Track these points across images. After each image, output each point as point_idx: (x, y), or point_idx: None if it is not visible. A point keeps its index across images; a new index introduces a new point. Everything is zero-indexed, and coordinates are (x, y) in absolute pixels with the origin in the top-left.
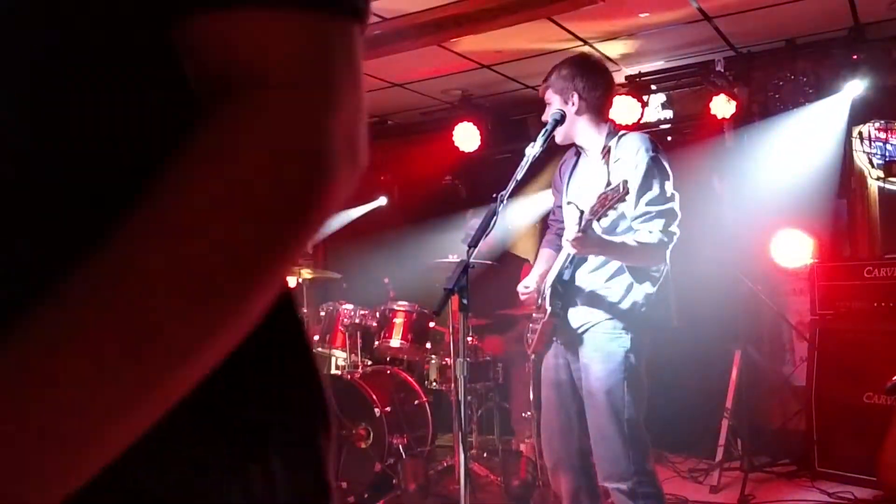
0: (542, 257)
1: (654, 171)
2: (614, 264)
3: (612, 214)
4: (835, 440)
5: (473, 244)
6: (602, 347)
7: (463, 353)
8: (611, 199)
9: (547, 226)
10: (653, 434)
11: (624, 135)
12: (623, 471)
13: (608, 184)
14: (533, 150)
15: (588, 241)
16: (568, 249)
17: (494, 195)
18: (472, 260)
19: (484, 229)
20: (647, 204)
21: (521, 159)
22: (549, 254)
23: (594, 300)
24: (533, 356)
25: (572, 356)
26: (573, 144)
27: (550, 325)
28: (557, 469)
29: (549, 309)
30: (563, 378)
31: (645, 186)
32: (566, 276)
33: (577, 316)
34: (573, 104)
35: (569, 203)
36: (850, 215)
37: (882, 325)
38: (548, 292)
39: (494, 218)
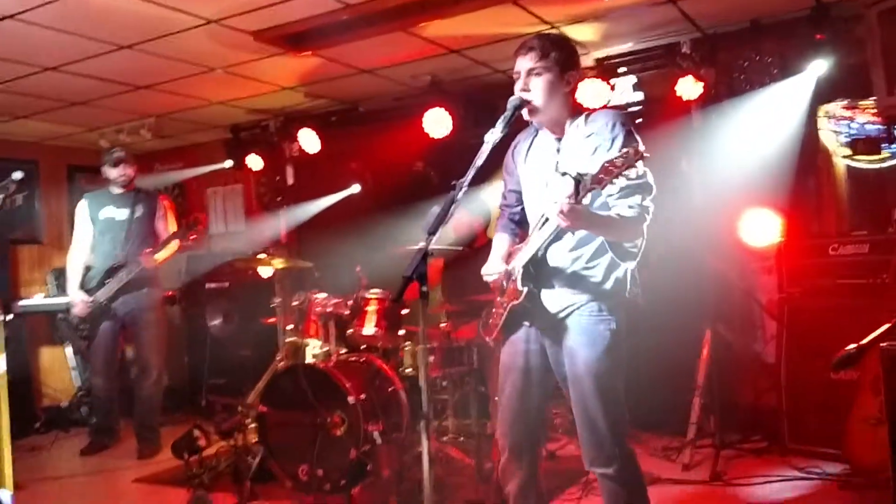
0: (499, 242)
1: (630, 144)
2: (595, 243)
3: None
4: (804, 416)
5: (432, 231)
6: (588, 330)
7: (423, 339)
8: (621, 166)
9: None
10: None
11: (595, 111)
12: (608, 454)
13: (598, 151)
14: (493, 136)
15: (580, 214)
16: (557, 222)
17: (453, 182)
18: (432, 247)
19: (443, 217)
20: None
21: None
22: (505, 238)
23: (575, 281)
24: (492, 341)
25: (551, 341)
26: (526, 125)
27: (520, 308)
28: (514, 456)
29: (522, 291)
30: (533, 364)
31: None
32: (540, 255)
33: (557, 299)
34: (567, 83)
35: (559, 175)
36: (817, 193)
37: (847, 301)
38: (518, 274)
39: (454, 205)
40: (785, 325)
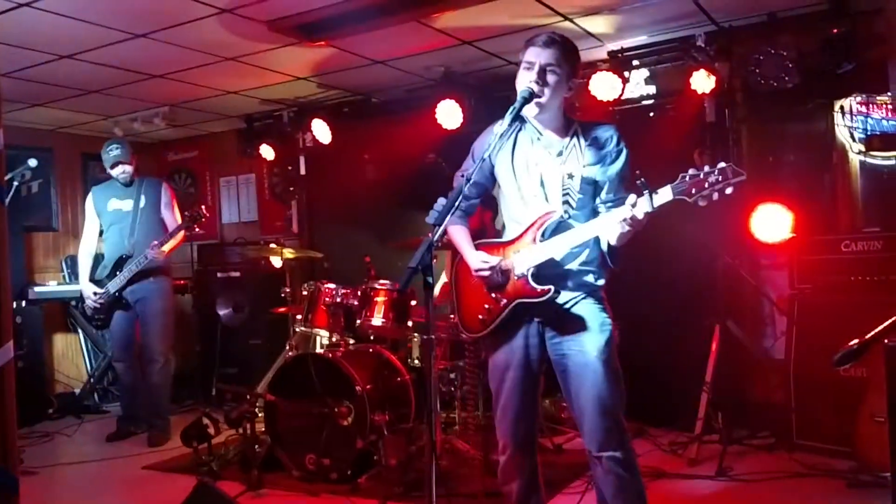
0: (461, 235)
1: (629, 161)
2: (592, 243)
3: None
4: (813, 413)
5: (438, 222)
6: (597, 318)
7: (429, 330)
8: (715, 183)
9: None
10: (634, 408)
11: (593, 122)
12: (619, 438)
13: (605, 161)
14: (501, 128)
15: (645, 221)
16: (619, 227)
17: (461, 174)
18: (437, 238)
19: (450, 208)
20: (625, 190)
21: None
22: (465, 231)
23: (576, 277)
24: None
25: (554, 332)
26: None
27: (525, 305)
28: (519, 453)
29: (547, 289)
30: (533, 358)
31: (625, 174)
32: (559, 259)
33: (562, 293)
34: (569, 88)
35: (570, 177)
36: (830, 189)
37: (859, 297)
38: (528, 273)
39: (460, 197)
40: (795, 321)
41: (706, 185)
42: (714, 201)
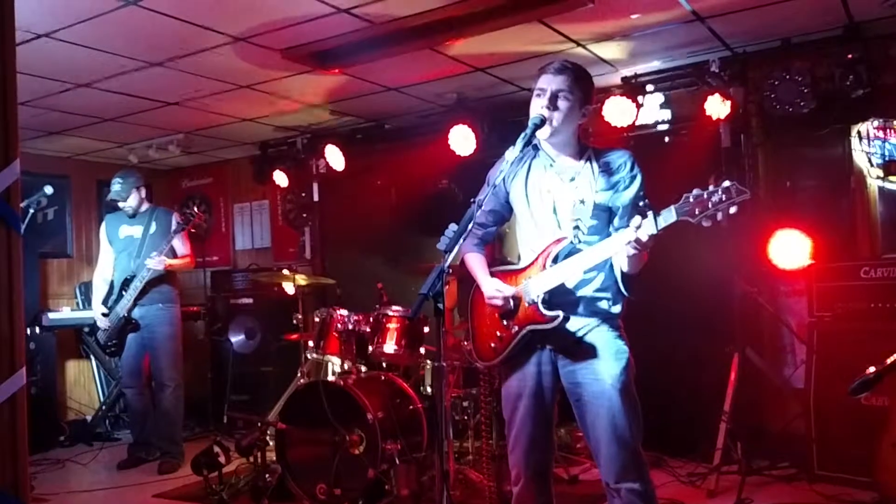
0: (477, 262)
1: (643, 186)
2: (606, 269)
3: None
4: (834, 442)
5: (449, 249)
6: (612, 345)
7: (440, 357)
8: (718, 202)
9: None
10: (651, 437)
11: (607, 148)
12: (638, 469)
13: (617, 187)
14: (512, 154)
15: (648, 245)
16: (624, 250)
17: (472, 200)
18: (448, 265)
19: (460, 234)
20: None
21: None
22: (481, 258)
23: (590, 304)
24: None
25: (567, 360)
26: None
27: (540, 331)
28: (533, 483)
29: (555, 316)
30: (545, 386)
31: (640, 199)
32: (570, 285)
33: (574, 319)
34: (583, 115)
35: (580, 202)
36: (849, 215)
37: (879, 325)
38: (538, 299)
39: (471, 223)
40: (815, 349)
41: (710, 205)
42: (719, 221)
